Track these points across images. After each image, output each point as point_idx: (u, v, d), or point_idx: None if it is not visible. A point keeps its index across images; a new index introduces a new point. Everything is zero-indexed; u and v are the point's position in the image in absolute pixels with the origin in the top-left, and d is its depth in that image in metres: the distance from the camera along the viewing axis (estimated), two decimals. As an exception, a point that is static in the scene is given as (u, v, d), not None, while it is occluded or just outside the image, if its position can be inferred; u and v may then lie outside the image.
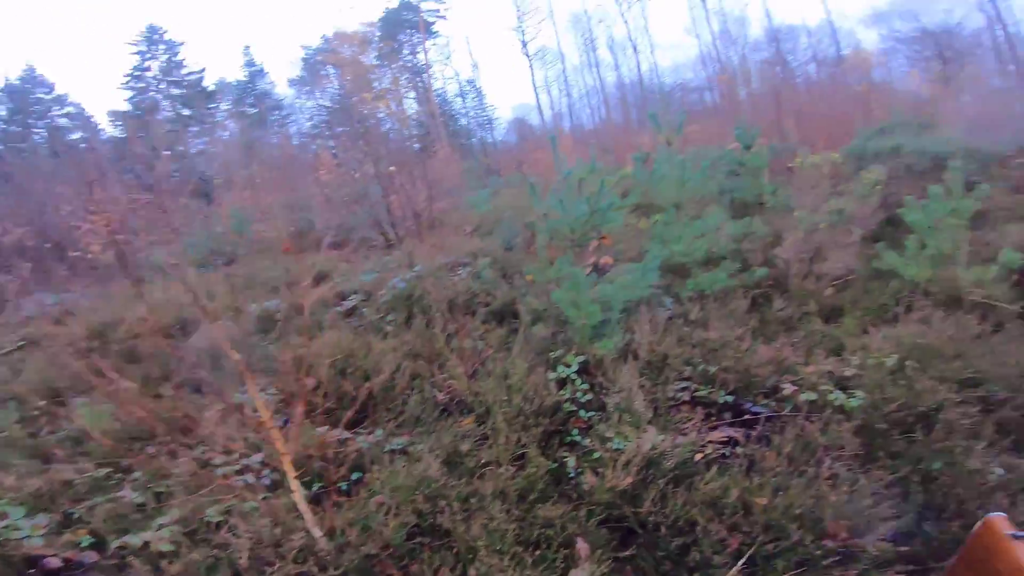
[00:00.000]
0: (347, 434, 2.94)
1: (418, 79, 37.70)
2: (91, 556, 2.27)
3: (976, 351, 2.67)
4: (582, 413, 3.05)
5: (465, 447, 2.79)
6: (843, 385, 2.66)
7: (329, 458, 2.70)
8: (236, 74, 34.80)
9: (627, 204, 4.93)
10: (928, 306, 3.48)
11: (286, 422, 2.87)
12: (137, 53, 30.11)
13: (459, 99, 38.56)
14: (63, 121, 28.47)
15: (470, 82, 38.56)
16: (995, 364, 2.57)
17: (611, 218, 3.49)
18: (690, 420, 2.87)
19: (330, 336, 4.16)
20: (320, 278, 6.93)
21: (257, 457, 2.73)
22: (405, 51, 37.67)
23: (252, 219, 11.93)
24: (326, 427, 2.93)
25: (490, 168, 21.45)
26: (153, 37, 30.39)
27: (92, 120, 29.44)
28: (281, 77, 50.50)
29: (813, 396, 2.59)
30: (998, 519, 1.36)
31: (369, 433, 3.00)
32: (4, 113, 26.17)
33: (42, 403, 4.15)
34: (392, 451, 2.84)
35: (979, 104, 13.00)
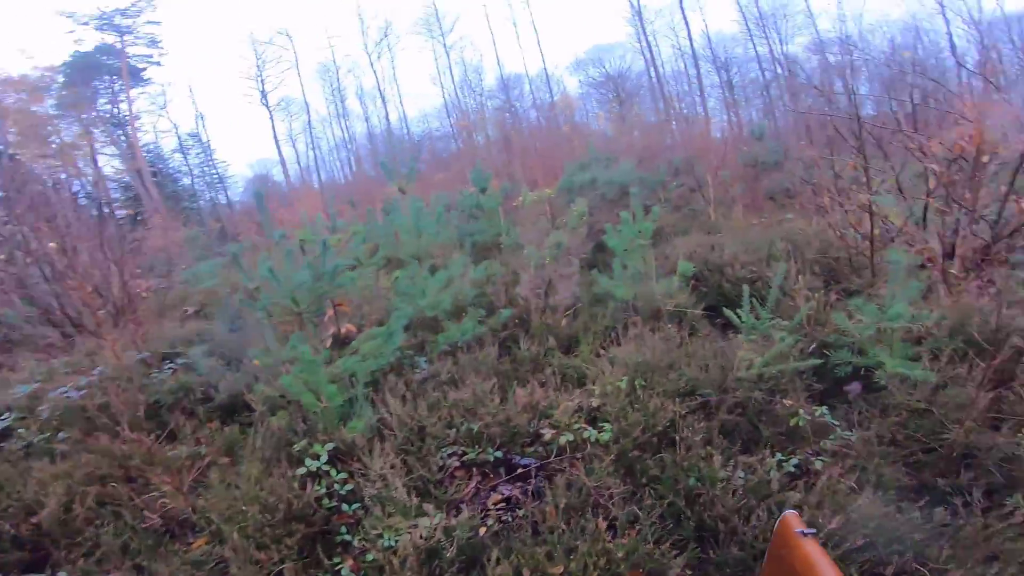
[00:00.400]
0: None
1: (119, 132, 31.47)
2: None
3: (683, 359, 3.06)
4: (345, 507, 2.61)
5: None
6: (593, 417, 2.75)
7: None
8: None
9: (373, 263, 4.63)
10: (639, 322, 4.00)
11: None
12: None
13: (179, 155, 33.28)
14: None
15: (193, 135, 33.59)
16: (699, 369, 2.96)
17: (343, 281, 3.11)
18: (465, 487, 2.65)
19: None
20: None
21: None
22: (102, 100, 31.28)
23: None
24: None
25: (224, 233, 18.81)
26: None
27: None
28: None
29: (571, 437, 2.60)
30: (791, 516, 1.40)
31: (48, 578, 2.41)
32: None
33: None
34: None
35: (642, 138, 16.52)
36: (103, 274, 5.82)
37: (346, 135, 35.16)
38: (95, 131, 31.08)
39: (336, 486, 2.67)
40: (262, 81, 33.02)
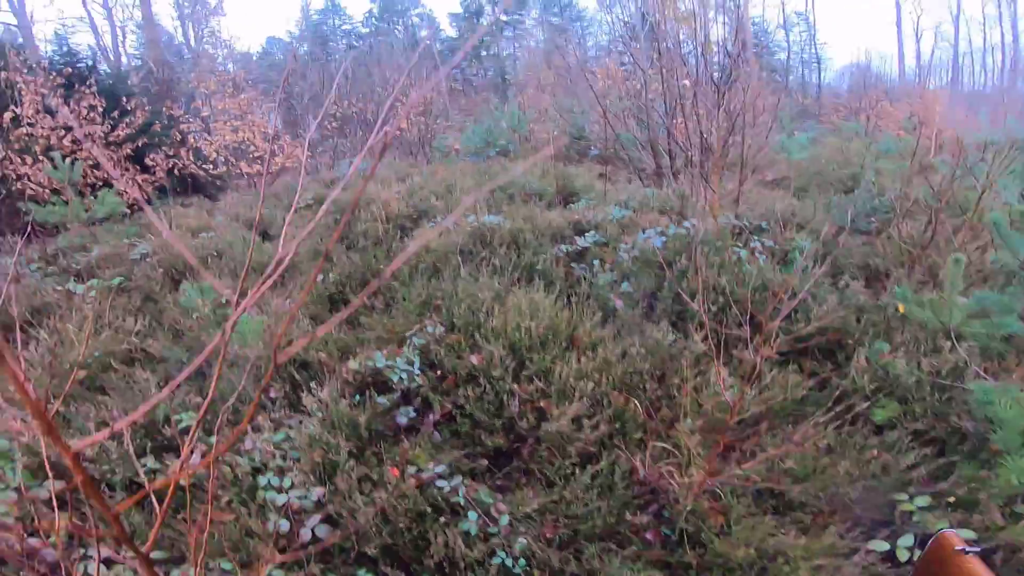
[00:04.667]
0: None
1: (732, 3, 32.01)
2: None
3: None
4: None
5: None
6: None
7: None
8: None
9: None
10: None
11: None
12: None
13: (781, 31, 31.83)
14: (415, 20, 32.56)
15: (800, 14, 31.42)
16: None
17: None
18: None
19: (516, 299, 2.83)
20: (567, 196, 5.59)
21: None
22: (722, -28, 32.05)
23: (529, 119, 11.44)
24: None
25: (807, 111, 16.98)
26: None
27: (435, 21, 32.98)
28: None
29: None
30: (950, 534, 1.28)
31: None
32: (376, 10, 30.98)
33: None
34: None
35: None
36: (712, 122, 5.41)
37: (1005, 38, 24.85)
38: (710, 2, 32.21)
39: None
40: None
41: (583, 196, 5.29)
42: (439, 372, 2.58)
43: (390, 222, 4.97)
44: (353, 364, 2.46)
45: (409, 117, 13.20)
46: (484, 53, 32.01)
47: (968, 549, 1.21)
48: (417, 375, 2.41)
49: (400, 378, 2.36)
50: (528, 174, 6.24)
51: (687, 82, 5.84)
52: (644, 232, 3.27)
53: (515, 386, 2.32)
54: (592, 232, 3.88)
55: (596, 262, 3.29)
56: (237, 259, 4.47)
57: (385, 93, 14.29)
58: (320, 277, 3.77)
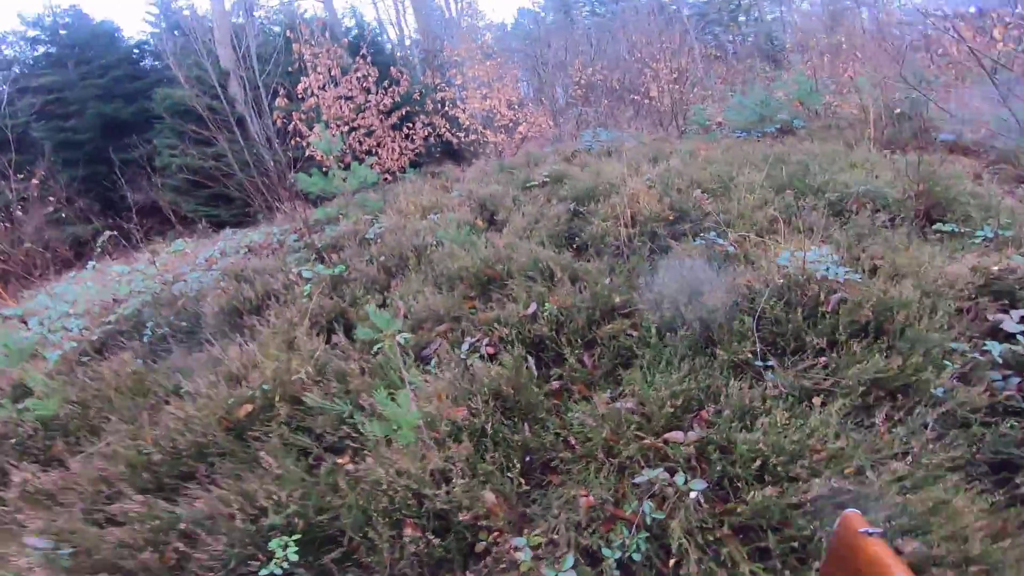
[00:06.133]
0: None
1: None
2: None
3: None
4: None
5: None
6: None
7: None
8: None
9: None
10: None
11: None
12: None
13: None
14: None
15: None
16: None
17: None
18: None
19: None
20: (930, 210, 3.00)
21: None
22: None
23: (826, 90, 8.42)
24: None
25: None
26: None
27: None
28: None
29: None
30: (853, 516, 1.17)
31: None
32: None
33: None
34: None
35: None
36: None
37: None
38: None
39: None
40: None
41: (970, 213, 2.93)
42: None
43: (637, 225, 3.49)
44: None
45: (661, 85, 11.19)
46: (743, 18, 26.59)
47: (871, 531, 1.08)
48: None
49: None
50: (852, 165, 3.96)
51: None
52: None
53: None
54: None
55: None
56: (454, 255, 3.54)
57: (632, 60, 12.45)
58: (532, 307, 2.57)
